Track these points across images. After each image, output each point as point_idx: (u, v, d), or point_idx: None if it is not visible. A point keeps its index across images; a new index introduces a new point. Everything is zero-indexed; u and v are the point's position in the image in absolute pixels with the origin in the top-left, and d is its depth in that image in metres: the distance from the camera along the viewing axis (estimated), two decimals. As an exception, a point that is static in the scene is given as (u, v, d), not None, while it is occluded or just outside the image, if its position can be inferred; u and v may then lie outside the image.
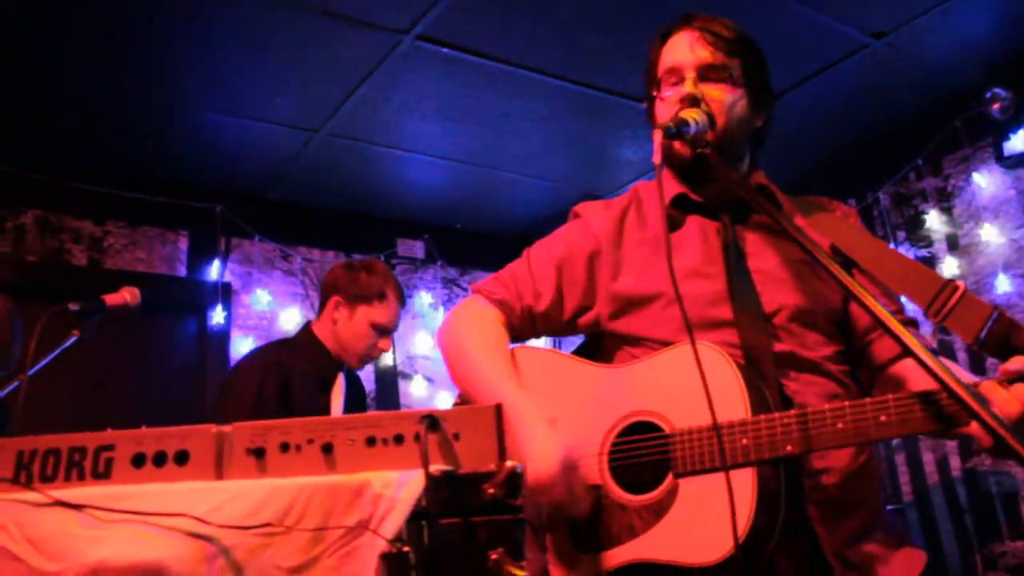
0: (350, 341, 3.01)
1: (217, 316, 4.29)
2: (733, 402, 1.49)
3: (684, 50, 1.79)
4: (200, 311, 4.28)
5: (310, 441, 1.20)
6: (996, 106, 4.14)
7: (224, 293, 4.35)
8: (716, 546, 1.43)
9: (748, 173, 1.87)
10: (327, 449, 1.19)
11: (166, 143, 4.09)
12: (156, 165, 4.25)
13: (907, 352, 1.28)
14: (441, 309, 5.10)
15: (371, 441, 1.20)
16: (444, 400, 4.91)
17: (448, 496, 1.10)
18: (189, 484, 1.15)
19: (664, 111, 1.79)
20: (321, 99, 3.83)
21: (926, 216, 4.59)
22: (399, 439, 1.19)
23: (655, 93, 1.85)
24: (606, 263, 1.84)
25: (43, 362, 2.20)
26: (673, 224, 1.82)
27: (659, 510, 1.54)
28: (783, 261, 1.77)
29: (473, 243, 5.39)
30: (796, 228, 1.50)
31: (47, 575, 1.06)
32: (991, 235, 4.32)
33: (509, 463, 1.12)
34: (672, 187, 1.84)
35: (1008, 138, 4.18)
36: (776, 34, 3.67)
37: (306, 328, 3.10)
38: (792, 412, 1.49)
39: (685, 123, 1.66)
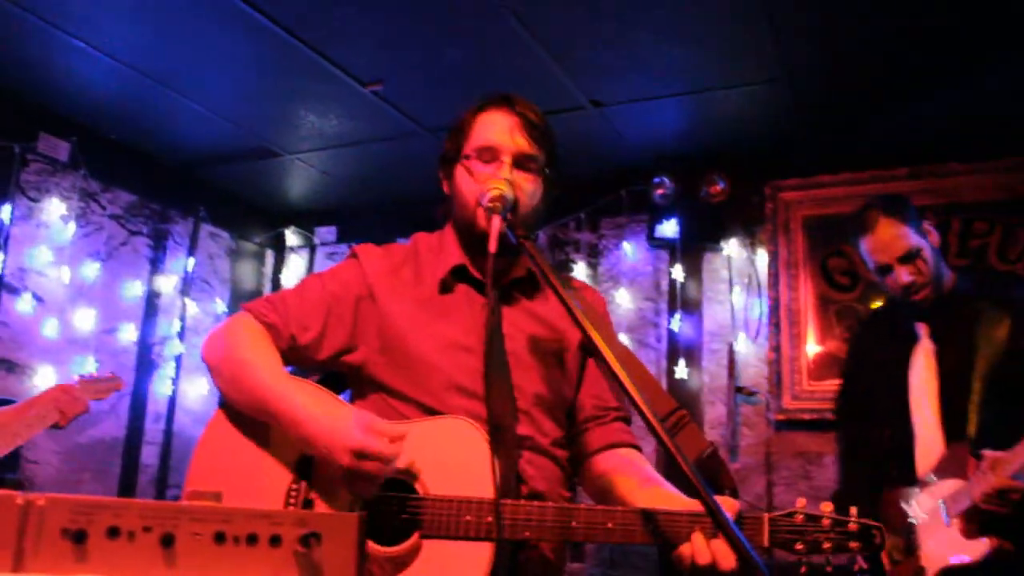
0: None
1: None
2: (483, 480, 1.59)
3: (503, 134, 1.85)
4: None
5: (147, 529, 1.00)
6: (660, 191, 4.67)
7: None
8: None
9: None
10: (167, 541, 1.01)
11: None
12: None
13: (672, 462, 1.35)
14: (72, 224, 4.47)
15: (220, 538, 1.04)
16: (52, 327, 4.32)
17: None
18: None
19: (470, 184, 1.84)
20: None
21: (574, 266, 5.03)
22: (252, 539, 1.05)
23: (461, 155, 1.88)
24: (375, 310, 1.86)
25: None
26: (445, 288, 1.89)
27: (400, 564, 1.60)
28: (535, 347, 1.88)
29: (125, 159, 4.81)
30: (580, 314, 1.56)
31: None
32: (624, 299, 4.86)
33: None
34: (455, 255, 1.91)
35: (661, 222, 4.74)
36: (513, 69, 3.81)
37: None
38: (535, 503, 1.62)
39: (504, 200, 1.73)
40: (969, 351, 2.63)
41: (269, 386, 1.70)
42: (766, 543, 1.56)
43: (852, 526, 1.55)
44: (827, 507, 1.57)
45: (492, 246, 1.65)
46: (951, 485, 2.53)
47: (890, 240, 2.71)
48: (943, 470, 2.58)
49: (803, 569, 1.58)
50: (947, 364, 2.71)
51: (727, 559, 1.48)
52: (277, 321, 1.82)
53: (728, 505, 1.53)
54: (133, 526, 1.00)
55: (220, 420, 1.79)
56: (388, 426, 1.60)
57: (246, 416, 1.75)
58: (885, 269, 2.74)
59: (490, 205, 1.71)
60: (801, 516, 1.57)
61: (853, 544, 1.55)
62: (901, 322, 2.85)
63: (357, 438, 1.54)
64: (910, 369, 2.78)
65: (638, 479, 1.80)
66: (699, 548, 1.51)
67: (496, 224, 1.67)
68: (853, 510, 1.57)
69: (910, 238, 2.70)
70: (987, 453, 2.40)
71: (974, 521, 2.45)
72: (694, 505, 1.55)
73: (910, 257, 2.69)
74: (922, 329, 2.79)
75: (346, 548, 1.08)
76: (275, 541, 1.06)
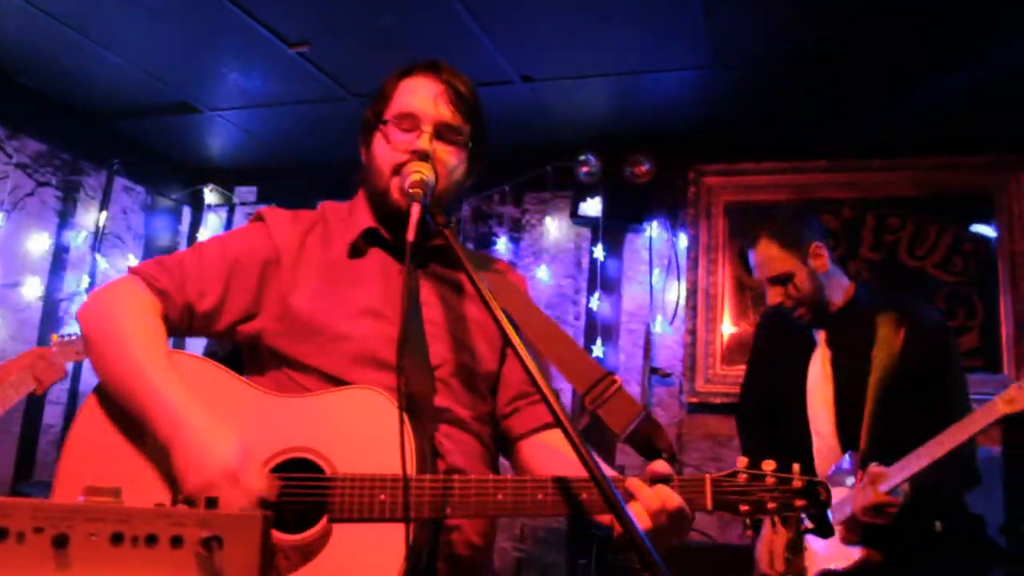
0: None
1: None
2: (396, 455, 1.46)
3: (426, 101, 1.76)
4: None
5: (38, 530, 0.96)
6: (585, 169, 4.67)
7: None
8: None
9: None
10: (60, 542, 0.97)
11: None
12: None
13: (572, 443, 1.33)
14: (-26, 173, 4.27)
15: (118, 539, 1.00)
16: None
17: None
18: None
19: (386, 152, 1.77)
20: None
21: (496, 239, 5.02)
22: (152, 540, 1.01)
23: (380, 121, 1.80)
24: (281, 276, 1.76)
25: None
26: (356, 252, 1.81)
27: (308, 552, 1.50)
28: (455, 316, 1.82)
29: (35, 106, 4.59)
30: (489, 296, 1.52)
31: None
32: (544, 275, 4.88)
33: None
34: (364, 218, 1.83)
35: (585, 200, 4.75)
36: (444, 40, 3.76)
37: None
38: (457, 476, 1.54)
39: (425, 185, 1.66)
40: (864, 361, 2.69)
41: (145, 375, 1.57)
42: (709, 506, 1.51)
43: (796, 483, 1.50)
44: (769, 465, 1.52)
45: (410, 234, 1.57)
46: (837, 493, 2.60)
47: (764, 261, 2.82)
48: (834, 478, 2.66)
49: (748, 532, 1.55)
50: (842, 373, 2.78)
51: (672, 499, 1.48)
52: (169, 287, 1.70)
53: (662, 468, 1.53)
54: (23, 527, 0.95)
55: (99, 402, 1.64)
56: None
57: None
58: (763, 283, 2.87)
59: (411, 191, 1.63)
60: (744, 475, 1.51)
61: (798, 502, 1.50)
62: (797, 325, 2.90)
63: (233, 465, 1.48)
64: (808, 373, 2.84)
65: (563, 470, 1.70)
66: (646, 496, 1.48)
67: (415, 212, 1.60)
68: (796, 467, 1.52)
69: (784, 263, 2.78)
70: (871, 467, 2.49)
71: (854, 530, 2.54)
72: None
73: (779, 280, 2.79)
74: (820, 335, 2.86)
75: (249, 551, 1.05)
76: (176, 542, 1.02)
